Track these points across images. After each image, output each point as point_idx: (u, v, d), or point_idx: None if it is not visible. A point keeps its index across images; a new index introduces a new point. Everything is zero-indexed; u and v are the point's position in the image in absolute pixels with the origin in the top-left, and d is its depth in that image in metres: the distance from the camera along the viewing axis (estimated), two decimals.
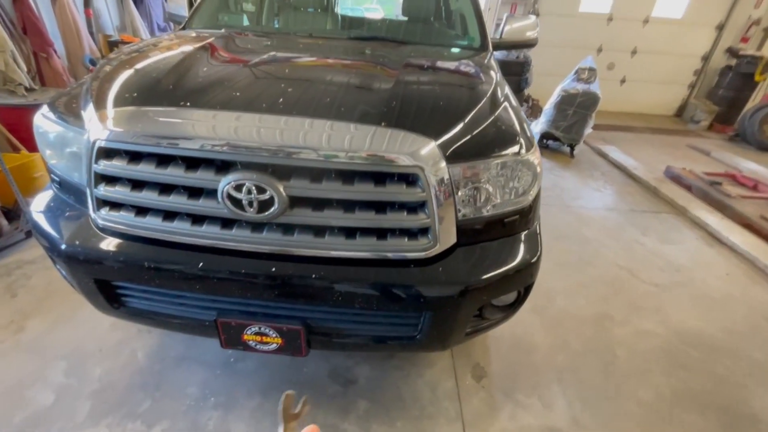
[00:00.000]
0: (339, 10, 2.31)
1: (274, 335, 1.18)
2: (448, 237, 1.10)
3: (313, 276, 1.07)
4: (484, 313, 1.25)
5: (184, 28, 1.92)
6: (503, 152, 1.12)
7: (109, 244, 1.10)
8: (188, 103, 1.06)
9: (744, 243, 2.72)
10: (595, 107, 3.95)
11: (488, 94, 1.29)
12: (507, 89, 1.46)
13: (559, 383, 1.64)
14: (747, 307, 2.17)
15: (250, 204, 1.00)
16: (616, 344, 1.86)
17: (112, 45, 3.57)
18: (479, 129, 1.14)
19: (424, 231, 1.07)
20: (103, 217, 1.09)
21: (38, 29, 2.92)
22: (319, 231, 1.06)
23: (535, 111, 4.94)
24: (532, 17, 2.17)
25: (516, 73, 5.02)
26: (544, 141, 4.28)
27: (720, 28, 5.75)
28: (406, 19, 2.17)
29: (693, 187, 3.58)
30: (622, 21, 5.72)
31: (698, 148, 4.90)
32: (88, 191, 1.09)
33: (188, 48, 1.42)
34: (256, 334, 1.18)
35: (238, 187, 0.98)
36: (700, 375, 1.73)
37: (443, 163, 1.03)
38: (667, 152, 4.74)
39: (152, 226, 1.07)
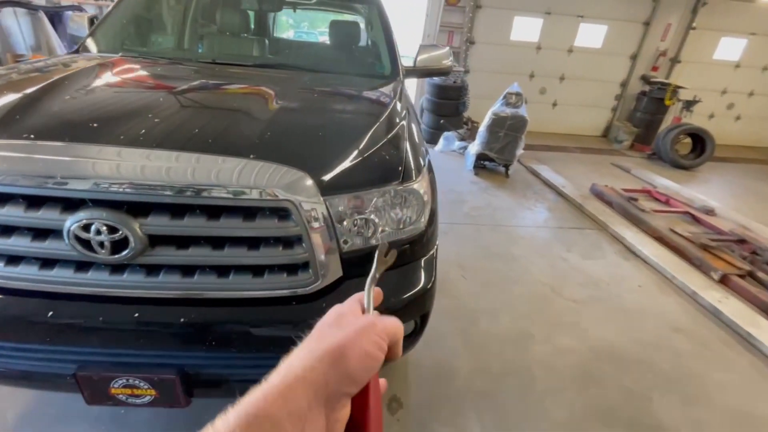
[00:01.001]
0: (245, 35, 2.29)
1: (146, 387, 1.06)
2: (331, 271, 1.06)
3: (183, 320, 0.98)
4: None
5: (76, 52, 1.79)
6: (386, 182, 1.11)
7: None
8: (32, 135, 0.96)
9: (655, 255, 2.92)
10: (524, 129, 4.17)
11: (378, 123, 1.29)
12: (406, 117, 1.47)
13: (476, 409, 1.62)
14: (656, 318, 2.30)
15: (101, 245, 0.90)
16: (535, 363, 1.88)
17: None
18: (360, 159, 1.12)
19: (303, 266, 1.03)
20: None
21: None
22: (187, 270, 0.99)
23: (473, 133, 5.14)
24: (446, 48, 2.25)
25: (454, 98, 5.23)
26: (481, 162, 4.44)
27: (633, 57, 6.37)
28: (317, 46, 2.18)
29: (614, 203, 3.83)
30: (549, 50, 6.19)
31: (621, 165, 5.31)
32: None
33: (58, 73, 1.31)
34: (125, 386, 1.06)
35: (87, 227, 0.89)
36: (610, 390, 1.78)
37: (318, 196, 1.00)
38: (594, 170, 5.08)
39: None
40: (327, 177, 1.03)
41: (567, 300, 2.39)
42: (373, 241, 1.13)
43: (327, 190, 1.01)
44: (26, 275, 0.95)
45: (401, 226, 1.16)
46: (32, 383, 1.10)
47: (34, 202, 0.92)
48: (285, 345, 1.04)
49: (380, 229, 1.13)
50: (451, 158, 4.96)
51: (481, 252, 2.83)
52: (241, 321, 1.02)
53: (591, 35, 6.17)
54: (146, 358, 1.06)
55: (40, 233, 0.94)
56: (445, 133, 5.19)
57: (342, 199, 1.04)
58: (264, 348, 1.06)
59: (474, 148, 4.42)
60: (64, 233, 0.89)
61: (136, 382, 1.05)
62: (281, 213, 0.97)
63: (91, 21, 2.01)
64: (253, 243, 0.99)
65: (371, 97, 1.64)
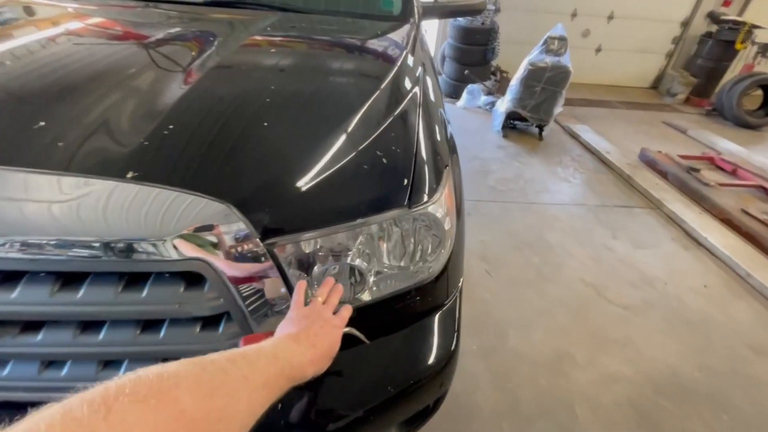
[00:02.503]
0: None
1: None
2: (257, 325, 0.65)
3: None
4: None
5: None
6: (381, 208, 0.66)
7: None
8: None
9: (723, 245, 2.40)
10: (566, 83, 3.50)
11: (373, 101, 0.81)
12: (420, 84, 0.98)
13: None
14: (727, 332, 1.86)
15: None
16: (576, 398, 1.50)
17: None
18: (333, 170, 0.67)
19: (219, 317, 0.63)
20: None
21: None
22: (49, 363, 0.60)
23: (503, 86, 4.44)
24: None
25: (481, 43, 4.47)
26: (511, 121, 3.83)
27: None
28: None
29: (669, 174, 3.23)
30: None
31: (674, 125, 4.56)
32: None
33: None
34: None
35: None
36: None
37: (254, 239, 0.57)
38: (642, 130, 4.38)
39: None
40: (272, 206, 0.59)
41: (615, 306, 1.95)
42: (363, 298, 0.71)
43: (273, 228, 0.58)
44: None
45: (405, 269, 0.72)
46: None
47: None
48: None
49: (374, 278, 0.71)
50: (475, 116, 4.32)
51: (510, 239, 2.37)
52: None
53: None
54: None
55: None
56: (470, 86, 4.50)
57: (299, 245, 0.62)
58: None
59: (503, 105, 3.78)
60: None
61: None
62: (187, 278, 0.56)
63: None
64: (148, 324, 0.58)
65: (367, 53, 1.13)
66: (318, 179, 0.64)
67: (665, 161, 3.37)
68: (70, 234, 0.51)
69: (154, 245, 0.53)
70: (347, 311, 0.63)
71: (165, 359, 0.59)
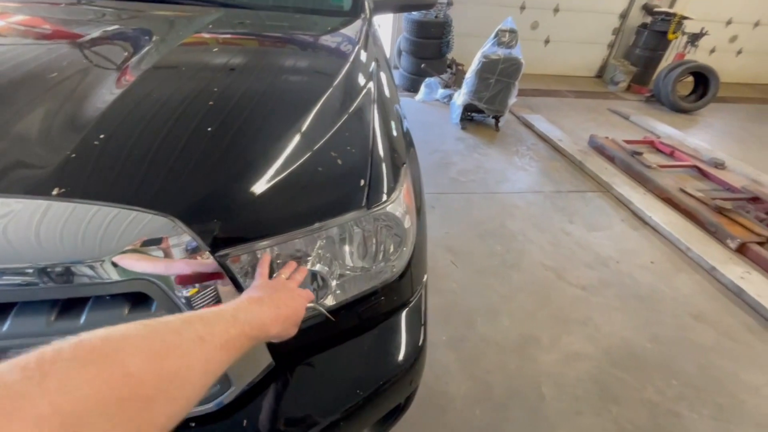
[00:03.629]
0: None
1: None
2: (250, 364, 0.63)
3: None
4: None
5: None
6: (339, 210, 0.64)
7: None
8: None
9: (665, 222, 2.59)
10: (519, 74, 3.61)
11: (324, 100, 0.79)
12: (373, 78, 0.96)
13: None
14: (673, 303, 2.01)
15: None
16: (543, 378, 1.57)
17: None
18: (285, 173, 0.64)
19: None
20: None
21: None
22: None
23: (459, 79, 4.51)
24: None
25: (436, 36, 4.51)
26: (468, 114, 3.90)
27: None
28: None
29: (615, 159, 3.44)
30: None
31: (619, 111, 4.84)
32: None
33: None
34: None
35: None
36: (632, 408, 1.49)
37: (202, 251, 0.53)
38: (590, 118, 4.62)
39: None
40: (221, 215, 0.56)
41: (574, 287, 2.05)
42: (326, 302, 0.70)
43: (223, 238, 0.55)
44: None
45: (371, 272, 0.71)
46: None
47: None
48: None
49: (336, 282, 0.69)
50: (434, 109, 4.37)
51: (474, 229, 2.43)
52: None
53: None
54: None
55: None
56: (427, 80, 4.54)
57: (254, 254, 0.59)
58: None
59: (460, 98, 3.85)
60: None
61: None
62: (132, 299, 0.52)
63: None
64: None
65: (318, 50, 1.10)
66: (271, 184, 0.61)
67: (612, 146, 3.57)
68: None
69: (92, 267, 0.49)
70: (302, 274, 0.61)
71: None
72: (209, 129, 0.66)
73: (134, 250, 0.50)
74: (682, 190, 2.91)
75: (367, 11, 1.39)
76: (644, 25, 5.68)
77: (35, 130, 0.60)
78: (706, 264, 2.27)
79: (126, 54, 0.83)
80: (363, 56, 1.05)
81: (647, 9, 5.71)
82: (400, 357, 0.77)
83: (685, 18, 5.22)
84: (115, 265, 0.49)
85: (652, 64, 5.67)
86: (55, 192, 0.49)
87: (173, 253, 0.52)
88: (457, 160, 3.30)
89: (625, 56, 5.97)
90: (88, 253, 0.49)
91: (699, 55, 5.38)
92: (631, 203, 2.83)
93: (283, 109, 0.76)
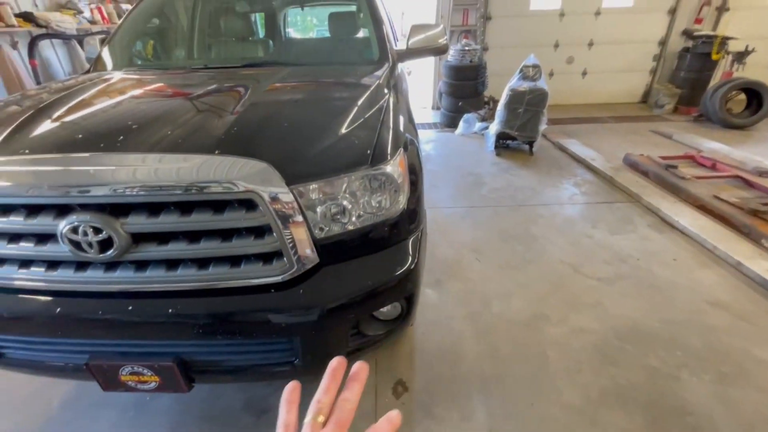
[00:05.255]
0: (232, 39, 2.35)
1: (149, 373, 1.15)
2: (305, 258, 1.08)
3: (171, 311, 1.05)
4: (364, 329, 1.22)
5: (88, 72, 1.94)
6: (354, 167, 1.11)
7: None
8: (26, 150, 1.06)
9: (694, 225, 2.67)
10: (545, 103, 3.95)
11: (351, 108, 1.29)
12: (388, 99, 1.45)
13: (482, 393, 1.59)
14: (690, 293, 2.12)
15: (90, 245, 0.98)
16: (548, 346, 1.81)
17: None
18: (327, 145, 1.13)
19: (276, 255, 1.06)
20: None
21: None
22: (170, 264, 1.05)
23: (494, 112, 4.95)
24: (440, 26, 2.18)
25: (472, 78, 5.06)
26: (502, 141, 4.28)
27: (672, 11, 5.78)
28: (305, 41, 2.20)
29: (650, 173, 3.55)
30: (574, 15, 5.77)
31: (661, 132, 4.88)
32: None
33: (54, 93, 1.43)
34: (132, 374, 1.15)
35: (75, 229, 0.97)
36: (631, 370, 1.67)
37: (283, 185, 1.02)
38: (630, 140, 4.72)
39: (7, 275, 1.06)
40: (292, 166, 1.04)
41: (589, 278, 2.26)
42: (350, 227, 1.14)
43: (293, 178, 1.03)
44: (35, 277, 1.06)
45: (377, 210, 1.15)
46: (58, 373, 1.22)
47: (32, 210, 1.02)
48: (266, 330, 1.08)
49: (355, 214, 1.13)
50: (471, 141, 4.81)
51: (498, 234, 2.74)
52: (222, 310, 1.07)
53: None
54: (145, 347, 1.14)
55: (41, 238, 1.04)
56: (465, 116, 5.04)
57: (310, 187, 1.06)
58: (247, 334, 1.11)
59: (493, 127, 4.26)
60: (59, 237, 0.98)
61: (140, 369, 1.14)
62: (247, 205, 1.01)
63: (101, 42, 2.15)
64: (226, 235, 1.03)
65: (351, 83, 1.64)
66: (318, 150, 1.10)
67: (646, 162, 3.69)
68: (186, 182, 0.98)
69: (227, 185, 0.98)
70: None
71: (238, 259, 1.03)
72: (285, 125, 1.18)
73: (249, 176, 0.99)
74: (717, 197, 2.96)
75: (391, 59, 1.94)
76: (686, 49, 5.74)
77: (202, 125, 1.15)
78: (732, 260, 2.33)
79: (236, 96, 1.43)
80: (381, 89, 1.56)
81: (687, 34, 5.80)
82: (403, 265, 1.17)
83: (729, 38, 5.23)
84: (235, 185, 0.99)
85: (699, 85, 5.63)
86: (216, 152, 1.02)
87: (258, 181, 1.01)
88: (488, 180, 3.66)
89: (670, 80, 6.00)
90: (225, 177, 0.98)
91: (751, 72, 5.27)
92: (659, 210, 2.94)
93: (329, 112, 1.27)
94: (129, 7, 4.96)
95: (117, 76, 1.75)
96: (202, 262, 1.05)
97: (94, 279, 1.05)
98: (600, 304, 2.06)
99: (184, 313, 1.06)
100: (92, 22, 4.16)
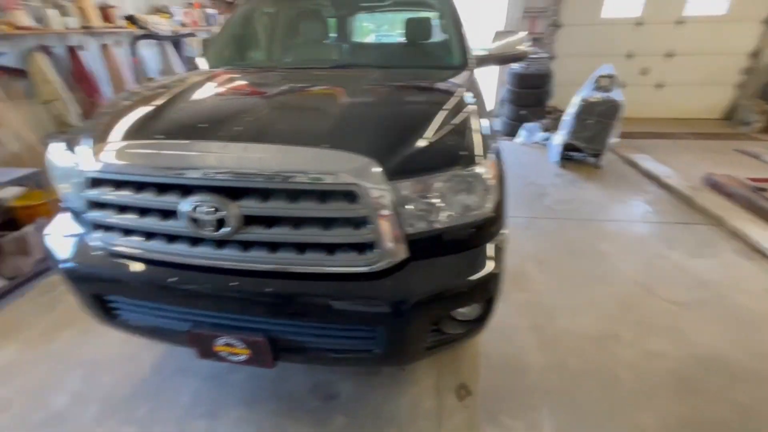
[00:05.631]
0: (325, 41, 2.49)
1: (241, 346, 1.25)
2: (396, 251, 1.13)
3: (268, 290, 1.15)
4: (444, 327, 1.25)
5: (191, 69, 2.14)
6: (449, 166, 1.14)
7: (100, 261, 1.25)
8: (161, 136, 1.20)
9: None
10: (617, 115, 3.77)
11: (442, 111, 1.33)
12: (473, 104, 1.48)
13: (550, 405, 1.56)
14: None
15: (208, 223, 1.09)
16: (619, 366, 1.73)
17: None
18: (424, 145, 1.17)
19: (370, 246, 1.11)
20: (95, 238, 1.25)
21: (87, 78, 3.38)
22: (272, 247, 1.14)
23: (558, 123, 4.79)
24: (522, 32, 2.17)
25: (536, 87, 4.94)
26: (567, 152, 4.13)
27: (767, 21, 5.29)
28: (391, 45, 2.28)
29: (735, 195, 3.26)
30: (652, 24, 5.45)
31: (747, 151, 4.46)
32: (84, 216, 1.26)
33: (173, 88, 1.59)
34: (226, 345, 1.26)
35: (197, 208, 1.09)
36: (718, 403, 1.56)
37: (384, 180, 1.07)
38: (710, 158, 4.36)
39: (132, 245, 1.21)
40: (392, 163, 1.10)
41: (664, 301, 2.12)
42: (439, 225, 1.17)
43: (392, 175, 1.09)
44: (157, 248, 1.19)
45: (466, 211, 1.18)
46: (165, 338, 1.37)
47: (161, 188, 1.15)
48: (351, 317, 1.15)
49: (446, 213, 1.17)
50: (532, 150, 4.69)
51: (564, 247, 2.65)
52: (315, 294, 1.14)
53: (707, 2, 5.29)
54: (241, 321, 1.25)
55: (165, 214, 1.17)
56: (526, 124, 4.93)
57: (406, 184, 1.11)
58: (335, 320, 1.18)
59: (558, 138, 4.13)
60: (181, 214, 1.11)
61: (234, 341, 1.25)
62: (349, 196, 1.07)
63: (204, 43, 2.37)
64: (326, 223, 1.10)
65: (438, 87, 1.68)
66: (414, 151, 1.15)
67: (732, 183, 3.40)
68: (298, 171, 1.06)
69: (335, 176, 1.05)
70: None
71: (334, 247, 1.10)
72: (384, 123, 1.24)
73: (353, 170, 1.06)
74: None
75: (471, 64, 1.97)
76: None
77: (306, 120, 1.25)
78: None
79: (338, 91, 1.52)
80: (465, 93, 1.59)
81: None
82: (486, 269, 1.19)
83: None
84: (341, 176, 1.05)
85: None
86: (325, 146, 1.10)
87: (370, 174, 1.07)
88: (552, 191, 3.55)
89: (761, 95, 5.48)
90: (333, 169, 1.05)
91: None
92: (747, 236, 2.70)
93: (421, 113, 1.32)
94: (212, 11, 5.39)
95: (223, 73, 1.92)
96: (301, 247, 1.13)
97: (205, 254, 1.16)
98: (677, 329, 1.93)
99: (280, 293, 1.15)
100: (183, 24, 4.57)
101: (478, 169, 1.17)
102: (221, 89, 1.68)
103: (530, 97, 5.00)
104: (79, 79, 3.37)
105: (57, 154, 1.35)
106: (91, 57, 3.58)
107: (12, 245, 2.29)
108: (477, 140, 1.25)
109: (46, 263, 2.50)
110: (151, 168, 1.13)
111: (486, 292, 1.22)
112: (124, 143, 1.21)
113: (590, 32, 5.57)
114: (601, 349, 1.82)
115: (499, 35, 2.11)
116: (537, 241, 2.74)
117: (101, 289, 1.31)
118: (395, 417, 1.53)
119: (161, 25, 4.17)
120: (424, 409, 1.55)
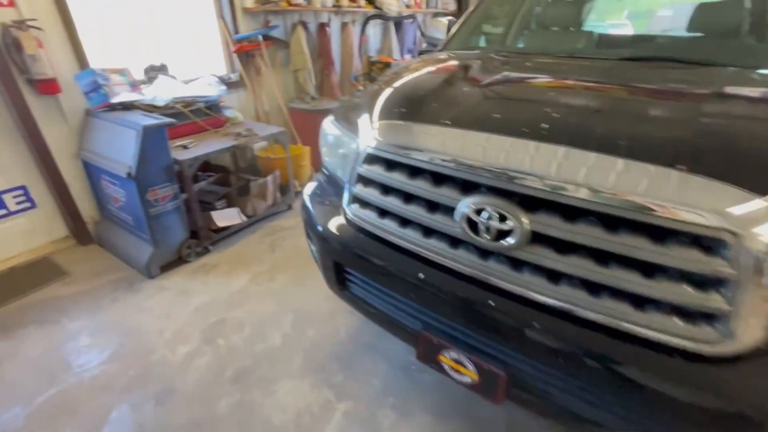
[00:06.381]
0: (601, 28, 2.02)
1: (471, 369, 1.10)
2: (753, 334, 0.76)
3: (536, 325, 0.93)
4: None
5: (442, 50, 2.02)
6: None
7: (351, 234, 1.25)
8: (447, 122, 1.09)
9: None
10: None
11: None
12: None
13: None
14: None
15: (487, 230, 0.94)
16: None
17: (372, 64, 4.29)
18: None
19: (712, 316, 0.78)
20: (353, 211, 1.25)
21: (328, 53, 3.79)
22: (554, 276, 0.92)
23: None
24: None
25: None
26: None
27: None
28: (698, 36, 1.70)
29: None
30: None
31: None
32: (346, 187, 1.27)
33: (448, 70, 1.49)
34: (453, 360, 1.13)
35: (478, 211, 0.94)
36: None
37: None
38: None
39: (388, 228, 1.15)
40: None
41: None
42: None
43: None
44: (411, 238, 1.11)
45: None
46: (388, 326, 1.33)
47: (437, 180, 1.04)
48: (645, 403, 0.81)
49: None
50: None
51: None
52: (597, 353, 0.87)
53: None
54: (483, 344, 1.08)
55: (432, 207, 1.06)
56: None
57: None
58: (614, 393, 0.89)
59: None
60: (456, 212, 0.97)
61: (465, 360, 1.10)
62: (710, 244, 0.75)
63: (448, 25, 2.26)
64: (648, 269, 0.81)
65: None
66: None
67: None
68: (630, 195, 0.79)
69: (696, 213, 0.74)
70: None
71: (645, 302, 0.80)
72: None
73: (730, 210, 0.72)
74: None
75: None
76: None
77: (647, 127, 0.94)
78: None
79: (688, 93, 1.15)
80: None
81: None
82: None
83: None
84: (704, 216, 0.73)
85: None
86: (679, 168, 0.79)
87: (741, 219, 0.72)
88: None
89: None
90: (691, 203, 0.74)
91: None
92: None
93: None
94: None
95: (499, 58, 1.65)
96: (595, 288, 0.87)
97: (466, 260, 1.02)
98: None
99: (551, 334, 0.92)
100: (407, 6, 4.74)
101: None
102: (506, 77, 1.42)
103: None
104: (320, 53, 3.81)
105: (334, 125, 1.40)
106: (332, 34, 4.00)
107: (256, 189, 2.72)
108: None
109: (275, 209, 2.93)
110: (447, 159, 1.01)
111: None
112: (411, 124, 1.14)
113: None
114: None
115: None
116: None
117: (344, 260, 1.33)
118: None
119: (392, 5, 4.38)
120: None
